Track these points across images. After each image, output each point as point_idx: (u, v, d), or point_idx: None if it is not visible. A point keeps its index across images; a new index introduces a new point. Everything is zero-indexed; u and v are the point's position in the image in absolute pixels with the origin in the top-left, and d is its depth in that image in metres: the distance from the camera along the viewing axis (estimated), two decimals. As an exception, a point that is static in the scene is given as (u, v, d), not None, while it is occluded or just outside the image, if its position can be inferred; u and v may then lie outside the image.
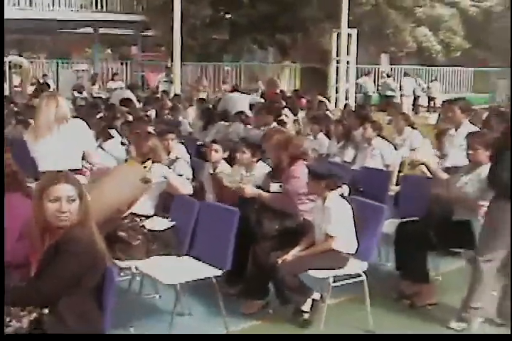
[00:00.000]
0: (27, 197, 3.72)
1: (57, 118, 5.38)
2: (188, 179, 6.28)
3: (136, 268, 4.80)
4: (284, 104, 13.47)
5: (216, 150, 6.18)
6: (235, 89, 13.19)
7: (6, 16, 19.92)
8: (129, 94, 14.30)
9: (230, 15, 21.68)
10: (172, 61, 17.47)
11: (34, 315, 3.12)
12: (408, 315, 5.04)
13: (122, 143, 7.79)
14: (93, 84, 20.37)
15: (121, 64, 24.76)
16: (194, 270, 4.68)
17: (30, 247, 3.35)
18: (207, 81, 22.31)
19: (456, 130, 6.41)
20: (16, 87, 21.08)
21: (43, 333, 3.11)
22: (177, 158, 6.60)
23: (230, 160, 6.30)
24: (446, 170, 5.77)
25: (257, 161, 5.91)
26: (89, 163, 5.95)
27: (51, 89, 15.71)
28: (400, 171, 7.55)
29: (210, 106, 13.09)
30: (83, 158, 5.75)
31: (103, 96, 16.22)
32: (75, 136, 5.45)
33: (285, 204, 5.17)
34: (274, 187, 5.30)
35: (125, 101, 11.78)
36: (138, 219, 5.08)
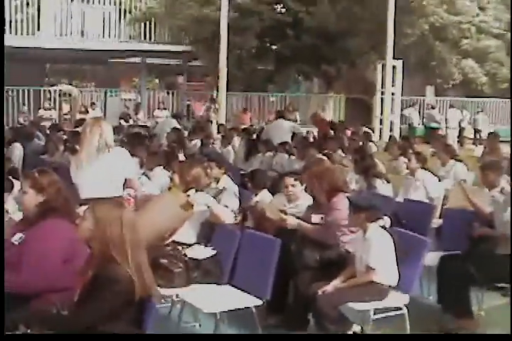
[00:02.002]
0: (73, 224, 3.79)
1: (100, 146, 5.42)
2: (233, 210, 6.06)
3: (177, 296, 4.83)
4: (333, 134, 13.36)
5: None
6: (279, 116, 12.94)
7: (58, 46, 20.61)
8: (174, 123, 14.47)
9: (275, 47, 21.86)
10: (218, 91, 17.65)
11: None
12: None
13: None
14: (136, 113, 20.65)
15: (168, 93, 25.10)
16: (234, 299, 4.69)
17: (74, 272, 3.42)
18: (252, 111, 22.49)
19: None
20: (65, 114, 21.55)
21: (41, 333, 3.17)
22: (223, 189, 6.51)
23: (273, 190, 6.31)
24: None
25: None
26: (133, 191, 6.00)
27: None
28: (443, 204, 7.46)
29: (254, 136, 13.14)
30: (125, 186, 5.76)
31: (149, 125, 16.45)
32: (116, 164, 5.48)
33: (326, 235, 5.16)
34: (316, 218, 5.30)
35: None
36: (180, 247, 5.12)
